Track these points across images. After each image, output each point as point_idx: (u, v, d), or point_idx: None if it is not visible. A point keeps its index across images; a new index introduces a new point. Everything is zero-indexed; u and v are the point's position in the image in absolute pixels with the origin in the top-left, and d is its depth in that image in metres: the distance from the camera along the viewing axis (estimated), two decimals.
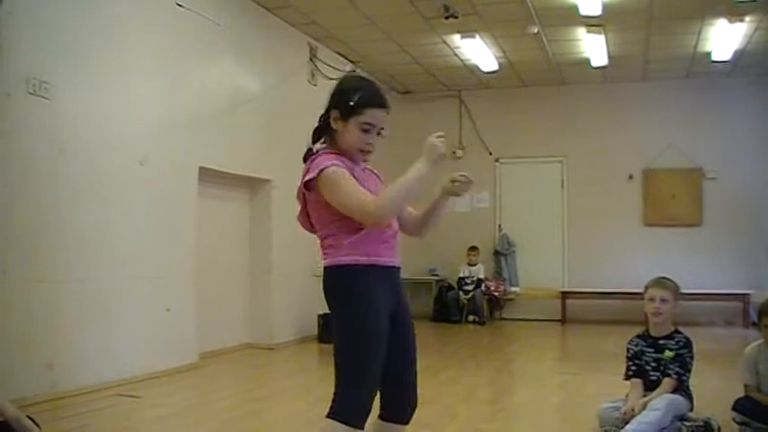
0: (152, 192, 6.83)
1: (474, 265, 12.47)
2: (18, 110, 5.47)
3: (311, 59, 9.84)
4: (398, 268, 2.88)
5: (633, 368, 4.81)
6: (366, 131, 2.78)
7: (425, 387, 6.46)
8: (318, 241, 2.83)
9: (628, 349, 4.89)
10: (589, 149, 12.52)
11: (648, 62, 11.24)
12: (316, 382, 7.15)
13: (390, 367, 2.79)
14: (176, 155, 7.15)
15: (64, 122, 5.86)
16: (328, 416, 2.65)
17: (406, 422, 2.91)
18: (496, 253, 12.83)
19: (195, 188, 7.47)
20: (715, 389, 4.99)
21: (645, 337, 4.85)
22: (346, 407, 2.66)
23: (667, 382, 4.60)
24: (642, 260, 11.68)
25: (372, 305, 2.72)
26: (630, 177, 12.35)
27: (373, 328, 2.70)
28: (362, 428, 2.67)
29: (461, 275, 12.46)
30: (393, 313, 2.80)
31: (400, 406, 2.89)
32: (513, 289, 12.73)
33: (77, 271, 5.97)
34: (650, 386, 4.68)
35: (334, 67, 10.24)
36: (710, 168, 11.98)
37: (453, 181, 3.16)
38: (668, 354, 4.66)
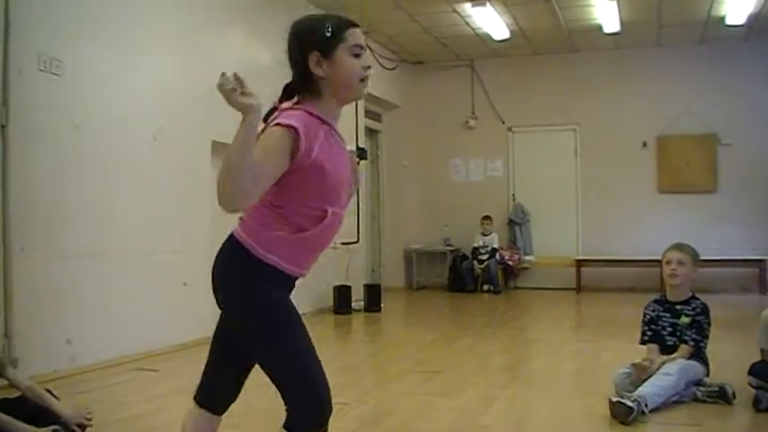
0: (166, 166, 6.85)
1: (488, 234, 12.48)
2: (30, 87, 5.48)
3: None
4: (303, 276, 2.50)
5: (649, 333, 4.85)
6: (357, 55, 2.38)
7: (441, 355, 6.51)
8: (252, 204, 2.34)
9: (644, 314, 4.94)
10: (602, 117, 12.45)
11: (661, 27, 11.13)
12: (334, 352, 7.19)
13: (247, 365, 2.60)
14: (189, 129, 7.15)
15: (76, 98, 5.87)
16: (285, 426, 2.34)
17: (219, 415, 2.73)
18: (510, 222, 12.82)
19: (209, 162, 7.48)
20: (731, 355, 5.00)
21: (662, 302, 4.88)
22: (305, 415, 2.33)
23: (684, 349, 4.64)
24: (657, 228, 11.66)
25: (278, 299, 2.38)
26: (644, 144, 12.28)
27: (291, 320, 2.38)
28: (326, 427, 2.35)
29: (476, 245, 12.48)
30: None
31: (220, 400, 2.71)
32: (528, 258, 12.73)
33: (95, 246, 6.01)
34: (666, 351, 4.72)
35: None
36: (725, 134, 11.88)
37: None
38: (684, 319, 4.71)
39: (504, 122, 13.02)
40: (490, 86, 13.07)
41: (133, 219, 6.43)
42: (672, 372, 4.47)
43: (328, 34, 2.35)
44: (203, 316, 7.25)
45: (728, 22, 10.53)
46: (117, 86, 6.29)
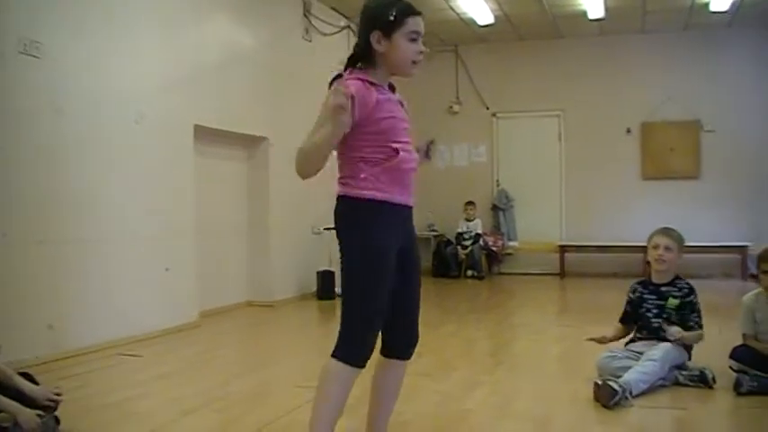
0: (148, 150, 6.80)
1: (471, 220, 12.48)
2: (10, 70, 5.42)
3: (305, 15, 9.74)
4: (411, 208, 2.91)
5: (628, 312, 4.95)
6: (414, 40, 2.80)
7: (425, 341, 6.50)
8: (338, 167, 2.85)
9: (628, 296, 5.00)
10: (587, 103, 12.46)
11: (646, 14, 11.13)
12: (316, 338, 7.19)
13: (396, 307, 2.90)
14: (172, 113, 7.10)
15: (58, 82, 5.81)
16: (332, 355, 2.76)
17: (408, 358, 3.06)
18: (494, 207, 12.84)
19: (191, 146, 7.43)
20: (713, 339, 5.03)
21: (646, 284, 4.93)
22: (348, 347, 2.75)
23: (699, 335, 4.71)
24: (640, 213, 11.70)
25: (380, 243, 2.76)
26: (628, 131, 12.30)
27: (380, 266, 2.76)
28: (364, 367, 2.78)
29: (459, 231, 12.48)
30: (402, 253, 2.86)
31: (404, 344, 3.02)
32: (512, 243, 12.76)
33: (76, 231, 5.97)
34: (653, 332, 4.76)
35: (329, 23, 10.16)
36: (709, 121, 11.91)
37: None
38: (673, 301, 4.75)
39: (488, 108, 13.01)
40: (474, 72, 13.05)
41: (115, 204, 6.39)
42: (656, 357, 4.49)
43: (392, 18, 2.74)
44: (186, 301, 7.27)
45: (712, 8, 10.56)
46: (98, 70, 6.23)
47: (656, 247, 4.80)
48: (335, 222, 2.84)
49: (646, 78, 12.14)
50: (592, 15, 10.91)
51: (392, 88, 2.94)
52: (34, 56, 5.57)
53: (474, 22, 11.38)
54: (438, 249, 12.64)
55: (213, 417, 4.14)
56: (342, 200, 2.80)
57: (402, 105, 2.94)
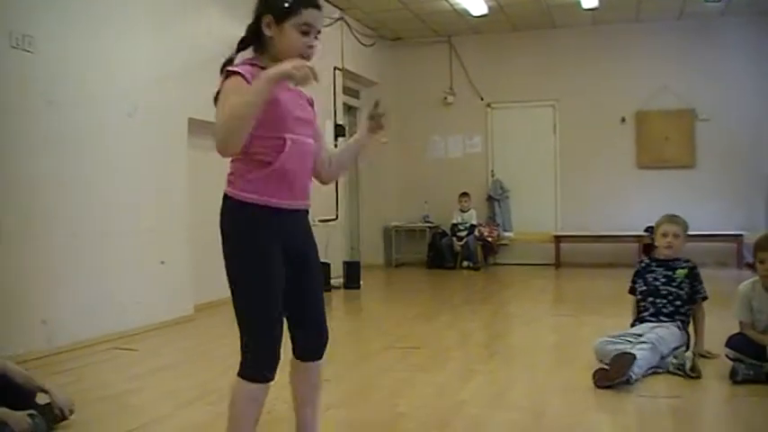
0: (142, 144, 6.78)
1: (466, 211, 12.48)
2: (2, 64, 5.39)
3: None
4: (305, 211, 2.76)
5: (635, 285, 5.17)
6: (306, 33, 2.61)
7: (420, 332, 6.52)
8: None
9: (635, 269, 5.25)
10: (581, 93, 12.45)
11: (640, 3, 11.12)
12: None
13: (300, 306, 2.78)
14: (165, 106, 7.07)
15: (50, 75, 5.78)
16: (238, 374, 2.61)
17: (320, 358, 2.88)
18: (489, 198, 12.83)
19: (185, 139, 7.42)
20: (709, 327, 5.04)
21: (653, 259, 5.18)
22: (253, 363, 2.60)
23: (701, 308, 5.02)
24: (635, 203, 11.74)
25: (262, 247, 2.61)
26: (623, 120, 12.30)
27: (264, 271, 2.60)
28: (272, 379, 2.63)
29: (454, 222, 12.48)
30: (294, 251, 2.71)
31: (314, 344, 2.86)
32: (507, 234, 12.76)
33: (69, 225, 5.94)
34: (661, 301, 4.96)
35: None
36: (703, 110, 11.91)
37: (372, 117, 3.02)
38: (681, 272, 5.00)
39: (482, 99, 12.99)
40: (468, 63, 13.03)
41: (109, 197, 6.37)
42: (649, 341, 4.58)
43: (286, 5, 2.57)
44: (181, 294, 7.25)
45: None
46: (91, 63, 6.20)
47: (665, 234, 5.05)
48: (220, 223, 2.70)
49: (640, 67, 12.13)
50: (586, 5, 10.89)
51: None
52: (26, 50, 5.55)
53: (468, 13, 11.36)
54: (433, 241, 12.64)
55: (208, 410, 4.13)
56: (224, 199, 2.68)
57: (310, 105, 2.82)
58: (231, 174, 2.67)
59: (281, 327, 2.65)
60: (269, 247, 2.61)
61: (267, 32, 2.63)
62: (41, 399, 3.80)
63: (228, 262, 2.65)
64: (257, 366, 2.59)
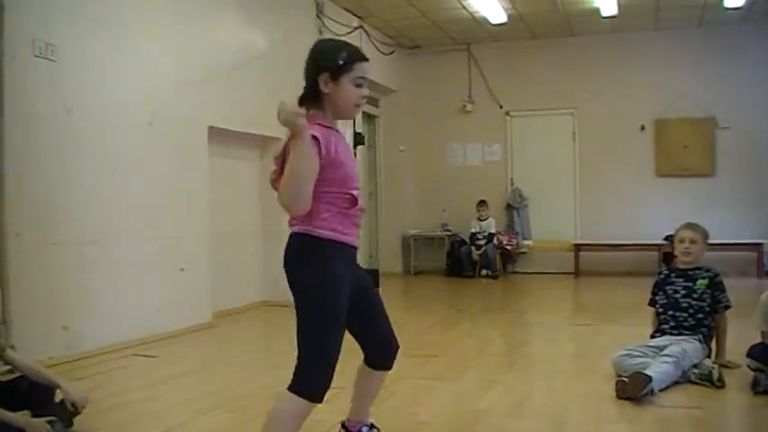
0: (162, 152, 6.82)
1: (484, 219, 12.44)
2: (24, 72, 5.44)
3: (318, 16, 9.74)
4: (356, 248, 3.01)
5: (656, 297, 5.12)
6: (359, 85, 2.89)
7: (439, 340, 6.50)
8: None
9: (655, 280, 5.21)
10: (600, 101, 12.42)
11: (659, 10, 11.08)
12: None
13: (369, 328, 3.12)
14: (185, 114, 7.12)
15: (71, 84, 5.83)
16: (290, 388, 2.75)
17: (390, 368, 3.26)
18: (508, 207, 12.81)
19: (205, 147, 7.46)
20: (729, 337, 5.00)
21: (672, 269, 5.15)
22: (308, 382, 2.75)
23: (724, 317, 4.92)
24: (655, 211, 11.68)
25: (334, 276, 2.81)
26: (642, 128, 12.24)
27: (335, 300, 2.81)
28: (321, 401, 2.78)
29: (473, 231, 12.45)
30: (355, 285, 2.93)
31: (384, 356, 3.21)
32: (526, 242, 12.73)
33: (90, 232, 5.99)
34: (682, 314, 4.89)
35: (341, 23, 10.16)
36: (723, 118, 11.84)
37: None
38: (702, 282, 4.92)
39: (501, 107, 12.98)
40: (487, 71, 13.02)
41: (129, 205, 6.41)
42: (673, 355, 4.51)
43: (341, 62, 2.84)
44: (200, 302, 7.28)
45: (727, 4, 10.49)
46: (112, 72, 6.25)
47: (682, 240, 5.03)
48: (285, 259, 2.86)
49: (659, 75, 12.08)
50: (605, 13, 10.86)
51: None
52: (48, 58, 5.60)
53: (487, 21, 11.36)
54: (452, 249, 12.62)
55: (227, 417, 4.15)
56: (296, 237, 2.85)
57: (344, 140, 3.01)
58: (300, 216, 2.81)
59: (339, 354, 2.82)
60: (342, 278, 2.84)
61: (325, 89, 2.86)
62: (58, 395, 3.83)
63: (301, 291, 2.82)
64: (313, 387, 2.75)
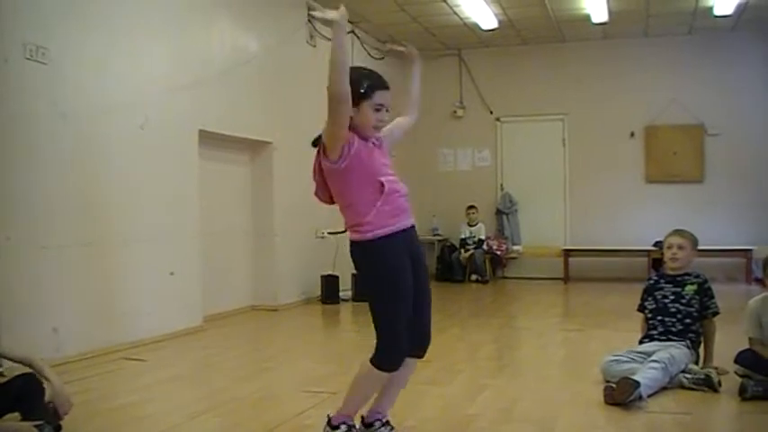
0: (153, 155, 6.81)
1: (474, 224, 12.48)
2: (16, 75, 5.43)
3: (309, 20, 9.74)
4: (413, 226, 3.39)
5: (645, 303, 5.12)
6: (378, 110, 3.30)
7: (429, 345, 6.49)
8: (339, 210, 3.35)
9: (645, 286, 5.23)
10: (590, 107, 12.47)
11: (649, 17, 11.14)
12: (321, 342, 7.20)
13: (413, 313, 3.33)
14: (176, 118, 7.12)
15: (63, 87, 5.83)
16: (371, 361, 3.27)
17: (422, 357, 3.50)
18: (498, 212, 12.84)
19: (196, 151, 7.45)
20: (717, 343, 5.01)
21: (662, 275, 5.17)
22: (385, 357, 3.26)
23: (712, 323, 4.94)
24: (644, 217, 11.74)
25: (399, 268, 3.25)
26: (632, 134, 12.31)
27: (402, 289, 3.25)
28: (396, 370, 3.30)
29: (463, 237, 12.47)
30: (414, 258, 3.33)
31: (419, 345, 3.43)
32: (516, 248, 12.76)
33: (81, 235, 5.98)
34: (670, 319, 4.90)
35: None
36: (713, 125, 11.91)
37: (392, 51, 3.84)
38: (690, 287, 4.95)
39: (491, 112, 13.02)
40: (478, 76, 13.06)
41: (119, 208, 6.40)
42: (661, 361, 4.51)
43: (362, 91, 3.23)
44: (190, 305, 7.27)
45: (716, 12, 10.56)
46: (103, 75, 6.25)
47: (669, 246, 5.05)
48: (353, 262, 3.35)
49: (649, 82, 12.14)
50: (595, 19, 10.92)
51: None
52: (40, 61, 5.59)
53: (477, 27, 11.40)
54: (442, 254, 12.64)
55: (218, 421, 4.15)
56: (354, 244, 3.30)
57: (380, 146, 3.42)
58: (350, 225, 3.31)
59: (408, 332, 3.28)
60: (402, 262, 3.27)
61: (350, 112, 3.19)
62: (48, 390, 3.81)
63: (369, 281, 3.32)
64: (390, 360, 3.27)
